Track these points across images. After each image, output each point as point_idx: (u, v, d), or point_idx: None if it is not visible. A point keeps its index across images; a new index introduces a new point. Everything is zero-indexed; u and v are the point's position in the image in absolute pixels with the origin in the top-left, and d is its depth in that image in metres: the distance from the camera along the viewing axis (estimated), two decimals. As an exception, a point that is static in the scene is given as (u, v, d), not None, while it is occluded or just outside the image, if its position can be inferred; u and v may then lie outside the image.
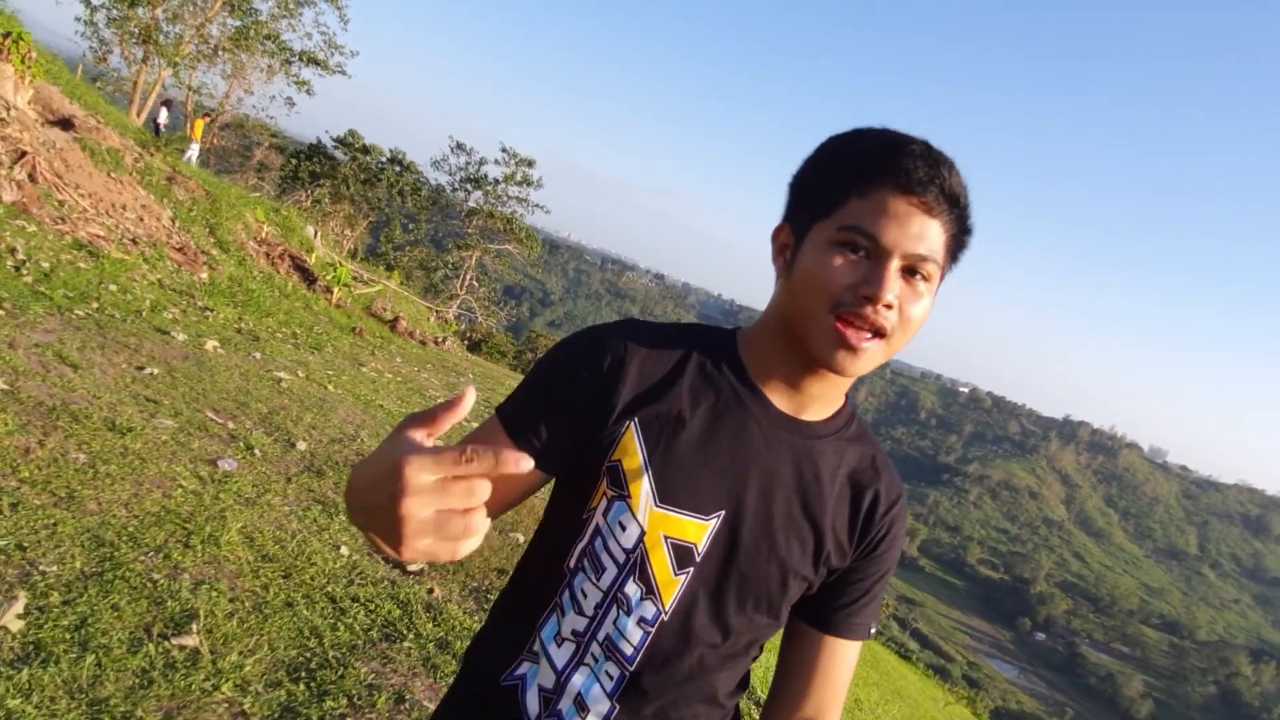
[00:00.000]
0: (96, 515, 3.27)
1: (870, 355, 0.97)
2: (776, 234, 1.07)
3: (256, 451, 4.75)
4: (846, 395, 1.12)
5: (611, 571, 1.03)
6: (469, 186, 40.46)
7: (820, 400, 1.07)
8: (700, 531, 1.02)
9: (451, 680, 1.29)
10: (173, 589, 2.97)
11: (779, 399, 1.06)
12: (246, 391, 5.89)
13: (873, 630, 1.14)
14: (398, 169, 38.06)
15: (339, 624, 3.23)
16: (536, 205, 40.07)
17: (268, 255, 15.77)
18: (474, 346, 31.32)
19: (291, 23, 30.57)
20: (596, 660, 1.04)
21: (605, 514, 1.03)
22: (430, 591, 3.88)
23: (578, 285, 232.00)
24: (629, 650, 1.03)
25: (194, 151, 22.76)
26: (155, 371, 5.38)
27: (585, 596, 1.04)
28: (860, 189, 0.96)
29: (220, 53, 29.53)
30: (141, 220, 11.84)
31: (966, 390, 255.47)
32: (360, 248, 36.58)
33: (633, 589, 1.02)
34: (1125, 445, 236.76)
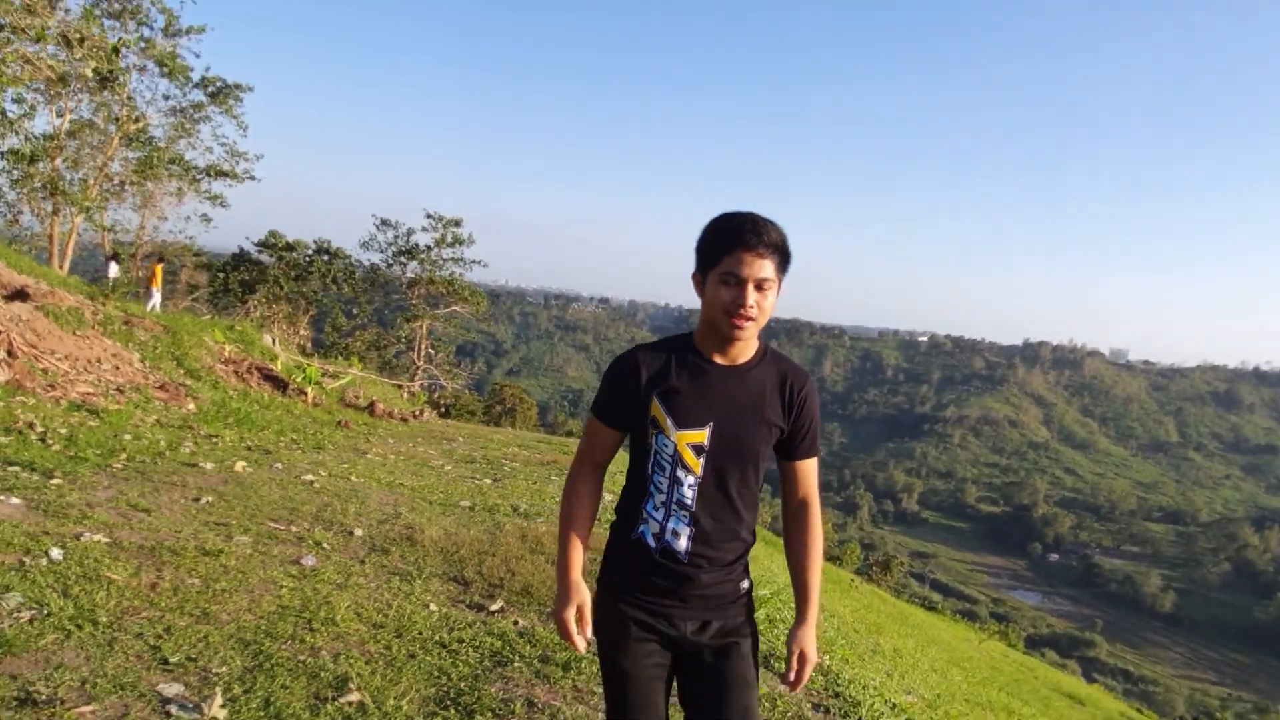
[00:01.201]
0: (232, 623, 3.81)
1: (749, 330, 1.98)
2: (695, 279, 2.06)
3: (325, 545, 5.30)
4: (762, 341, 2.10)
5: (668, 467, 2.03)
6: (403, 259, 40.85)
7: (740, 354, 2.06)
8: (702, 435, 2.01)
9: (565, 674, 1.98)
10: (319, 664, 3.53)
11: (721, 360, 2.06)
12: (290, 498, 6.42)
13: (819, 451, 2.19)
14: (326, 258, 38.23)
15: (457, 661, 3.80)
16: (473, 261, 40.60)
17: (236, 373, 16.13)
18: (445, 413, 31.70)
19: (190, 141, 30.88)
20: (675, 512, 2.04)
21: (655, 441, 2.04)
22: (516, 623, 4.45)
23: (527, 329, 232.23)
24: (689, 502, 2.03)
25: (156, 300, 23.11)
26: (209, 500, 5.90)
27: (661, 482, 2.05)
28: (727, 250, 1.95)
29: (127, 187, 29.73)
30: (117, 369, 12.24)
31: (925, 339, 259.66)
32: (307, 344, 36.72)
33: (681, 472, 2.02)
34: (1087, 354, 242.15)
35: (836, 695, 4.27)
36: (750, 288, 1.93)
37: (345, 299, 39.73)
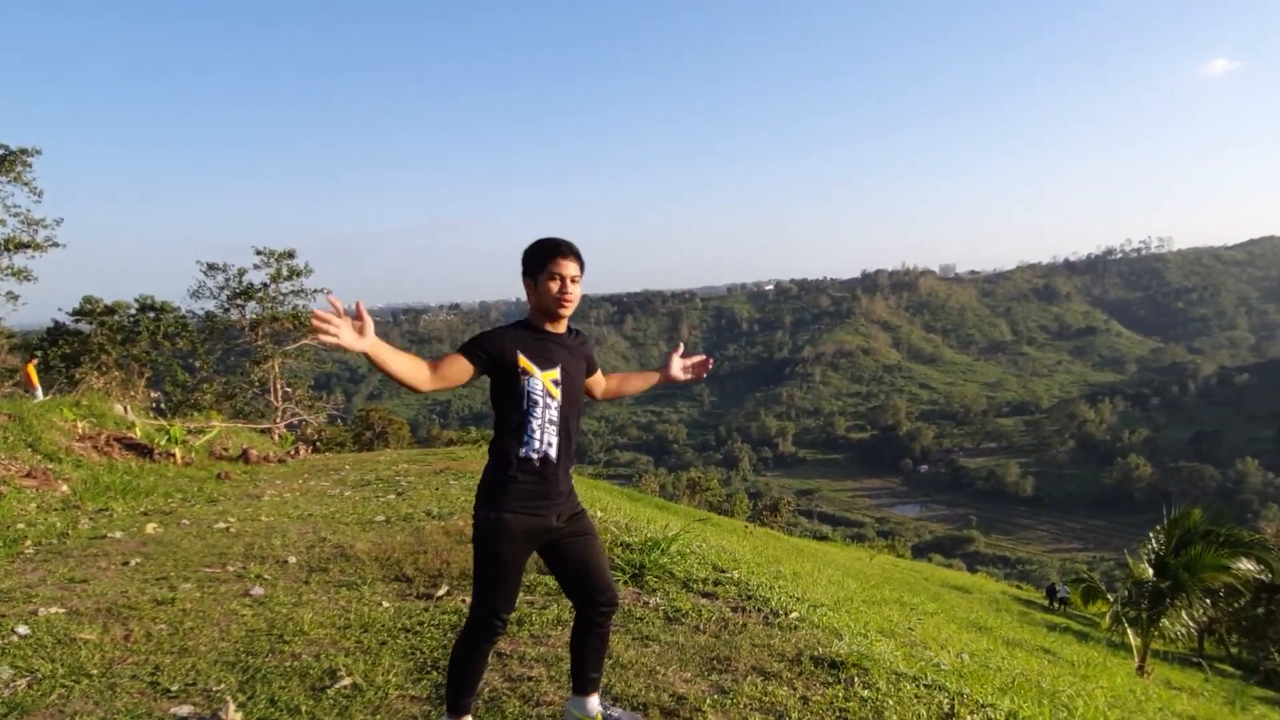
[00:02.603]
0: (211, 651, 4.19)
1: (570, 309, 2.99)
2: (526, 282, 2.98)
3: (266, 577, 5.64)
4: (570, 322, 3.11)
5: (540, 398, 2.93)
6: (239, 301, 39.23)
7: (561, 328, 3.04)
8: (556, 373, 2.98)
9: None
10: (305, 664, 3.97)
11: (551, 330, 3.01)
12: (213, 545, 6.65)
13: (598, 369, 3.31)
14: (153, 315, 36.26)
15: (424, 639, 4.34)
16: (315, 290, 39.46)
17: (95, 448, 15.57)
18: (319, 448, 31.01)
19: (-22, 217, 28.61)
20: (548, 430, 2.93)
21: (527, 384, 2.91)
22: (464, 601, 4.98)
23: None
24: (557, 420, 2.96)
25: (39, 392, 22.01)
26: (138, 561, 6.09)
27: (535, 410, 2.91)
28: (550, 258, 2.94)
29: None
30: (-24, 466, 11.73)
31: (772, 287, 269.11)
32: (149, 408, 34.92)
33: (549, 399, 2.94)
34: (920, 274, 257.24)
35: (749, 598, 5.02)
36: (569, 281, 2.95)
37: (182, 354, 37.85)
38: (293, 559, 6.11)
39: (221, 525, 7.57)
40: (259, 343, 38.73)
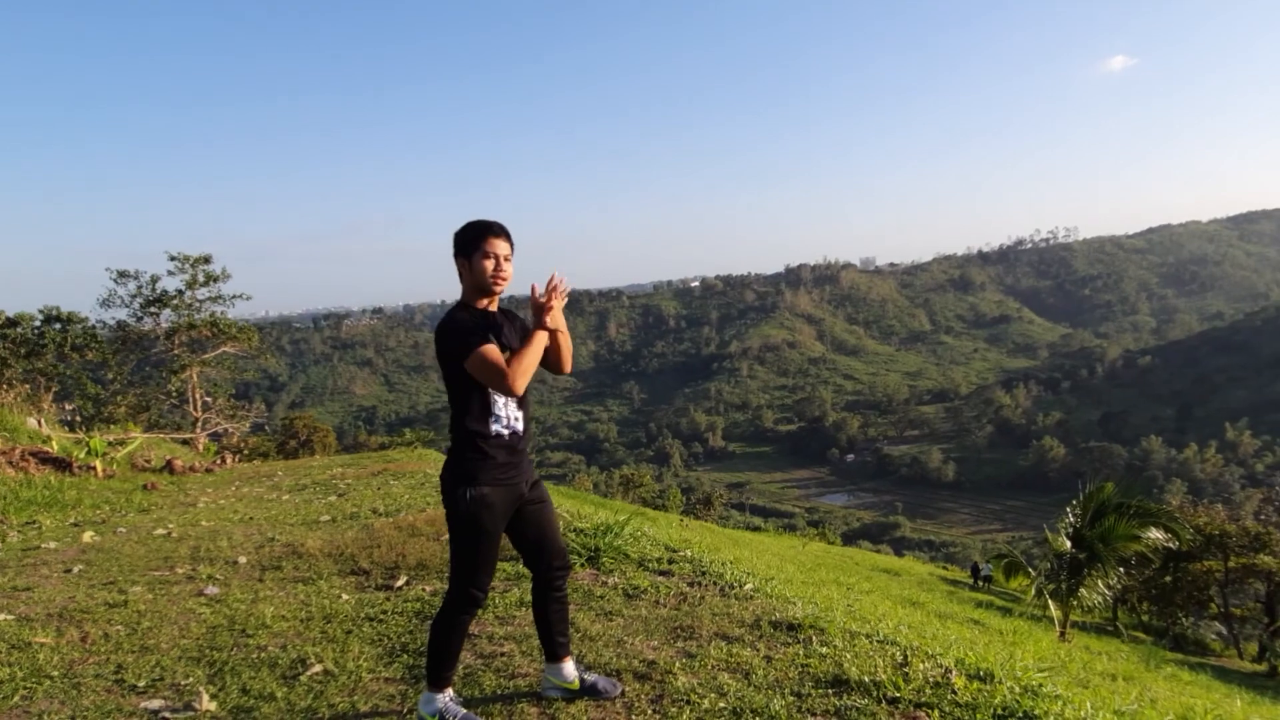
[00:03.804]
0: (174, 649, 4.17)
1: (504, 287, 3.11)
2: (460, 263, 3.09)
3: (218, 577, 5.60)
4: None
5: None
6: (154, 309, 37.85)
7: (494, 305, 3.19)
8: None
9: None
10: (273, 655, 4.00)
11: (489, 308, 3.15)
12: (156, 550, 6.55)
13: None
14: (59, 326, 34.76)
15: (389, 626, 4.41)
16: (235, 296, 38.32)
17: (10, 463, 15.00)
18: (246, 457, 30.21)
19: None
20: (512, 403, 3.13)
21: None
22: (425, 590, 5.04)
23: (301, 357, 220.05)
24: (521, 398, 3.14)
25: None
26: (81, 568, 5.97)
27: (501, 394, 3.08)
28: (483, 238, 3.07)
29: None
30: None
31: (698, 284, 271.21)
32: (60, 420, 33.46)
33: None
34: (842, 268, 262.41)
35: (703, 574, 5.20)
36: (502, 260, 3.08)
37: (92, 366, 36.36)
38: (243, 559, 6.06)
39: (161, 531, 7.43)
40: (175, 352, 37.44)
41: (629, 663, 3.56)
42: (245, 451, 31.62)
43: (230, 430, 37.54)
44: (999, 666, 3.30)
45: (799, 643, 3.73)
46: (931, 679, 3.21)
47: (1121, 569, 19.16)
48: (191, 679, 3.75)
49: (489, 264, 3.06)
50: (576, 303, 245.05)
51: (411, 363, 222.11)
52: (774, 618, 4.11)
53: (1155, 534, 17.94)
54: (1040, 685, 3.17)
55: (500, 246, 3.08)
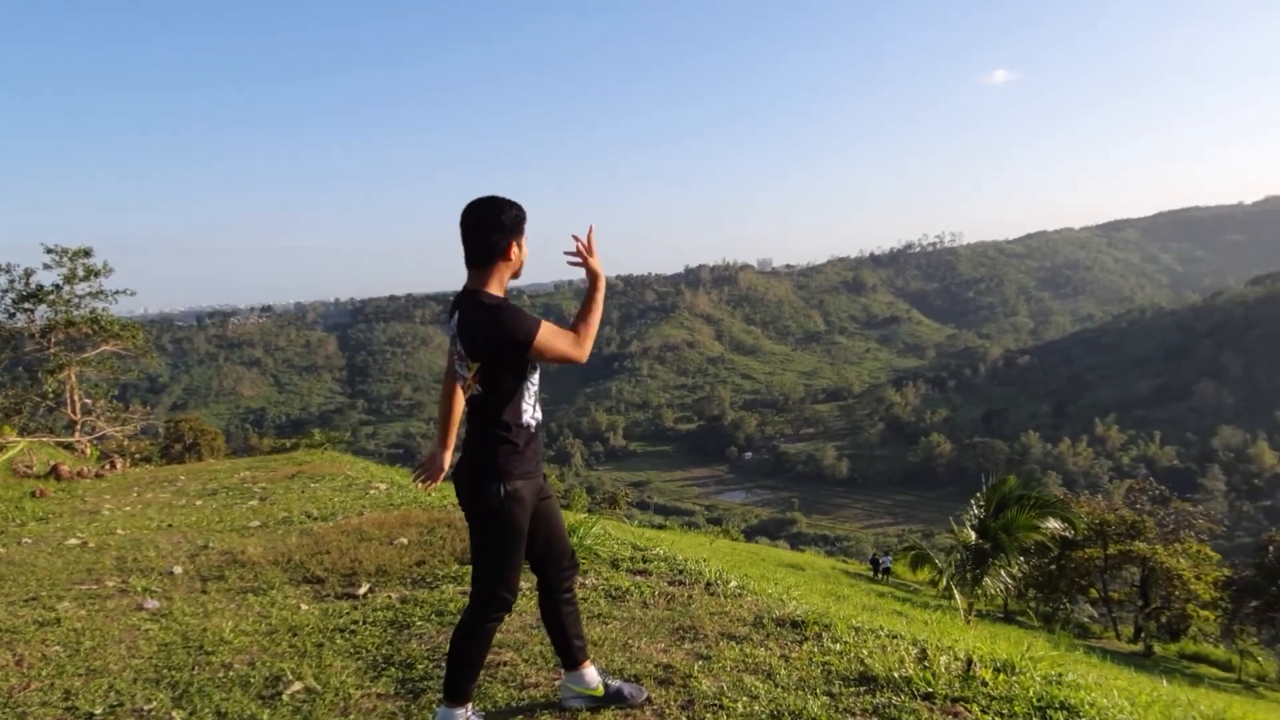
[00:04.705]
0: (127, 670, 3.80)
1: None
2: (510, 243, 2.83)
3: (155, 589, 5.16)
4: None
5: (533, 370, 2.91)
6: (27, 305, 35.30)
7: None
8: None
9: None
10: (242, 673, 3.69)
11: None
12: (75, 562, 6.01)
13: None
14: (-83, 324, 32.10)
15: (364, 638, 4.13)
16: (117, 292, 36.04)
17: (-127, 471, 13.75)
18: (139, 461, 28.51)
19: None
20: (538, 400, 2.95)
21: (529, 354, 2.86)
22: (390, 597, 4.76)
23: (184, 356, 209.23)
24: (539, 387, 2.94)
25: None
26: (-9, 583, 5.39)
27: (531, 385, 2.90)
28: (525, 219, 2.92)
29: None
30: None
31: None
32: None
33: (538, 374, 2.93)
34: (740, 269, 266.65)
35: (682, 572, 5.09)
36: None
37: (-51, 366, 33.68)
38: (178, 569, 5.61)
39: (74, 541, 6.83)
40: (51, 351, 35.03)
41: (645, 667, 3.41)
42: (136, 456, 29.89)
43: (114, 434, 35.42)
44: (1018, 657, 3.30)
45: (809, 640, 3.66)
46: (956, 672, 3.18)
47: (1021, 558, 20.06)
48: (155, 703, 3.41)
49: (527, 248, 2.95)
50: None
51: (303, 363, 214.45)
52: (774, 615, 4.03)
53: (1053, 524, 18.82)
54: (1062, 675, 3.19)
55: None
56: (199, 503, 9.63)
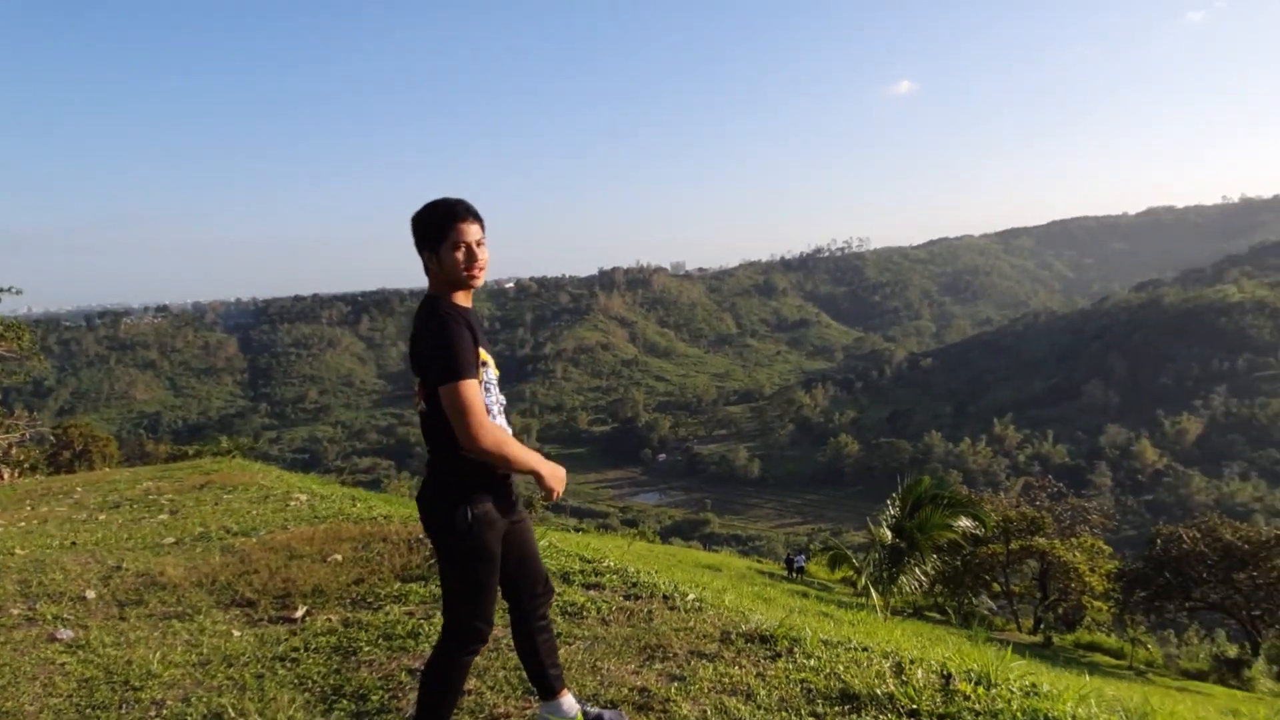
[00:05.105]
0: (44, 711, 3.47)
1: (481, 278, 2.71)
2: (427, 257, 2.69)
3: (67, 616, 4.76)
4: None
5: (494, 390, 2.80)
6: (-102, 305, 32.92)
7: (470, 300, 2.78)
8: (491, 361, 2.78)
9: None
10: (177, 711, 3.41)
11: (467, 306, 2.75)
12: (-29, 587, 5.49)
13: None
14: None
15: (309, 667, 3.87)
16: (3, 290, 33.99)
17: None
18: (23, 472, 26.79)
19: None
20: (501, 414, 2.82)
21: (486, 373, 2.72)
22: (330, 620, 4.50)
23: (71, 358, 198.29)
24: (504, 403, 2.87)
25: None
26: (-125, 615, 4.87)
27: (493, 403, 2.76)
28: (450, 225, 2.65)
29: None
30: None
31: (512, 285, 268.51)
32: None
33: (494, 385, 2.82)
34: (654, 271, 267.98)
35: (635, 585, 4.96)
36: (475, 246, 2.70)
37: None
38: (91, 593, 5.19)
39: (-34, 562, 6.27)
40: (-75, 352, 32.73)
41: (619, 691, 3.27)
42: (24, 465, 28.13)
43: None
44: (992, 668, 3.29)
45: (781, 656, 3.58)
46: (935, 686, 3.16)
47: (935, 556, 20.65)
48: (81, 747, 3.11)
49: (460, 255, 2.67)
50: (386, 303, 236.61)
51: (201, 365, 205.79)
52: (740, 629, 3.94)
53: (965, 522, 19.41)
54: (1036, 685, 3.19)
55: (471, 232, 2.69)
56: (102, 517, 9.04)
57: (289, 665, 3.87)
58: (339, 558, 5.68)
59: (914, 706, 2.96)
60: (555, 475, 2.77)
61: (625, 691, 3.27)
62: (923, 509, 18.86)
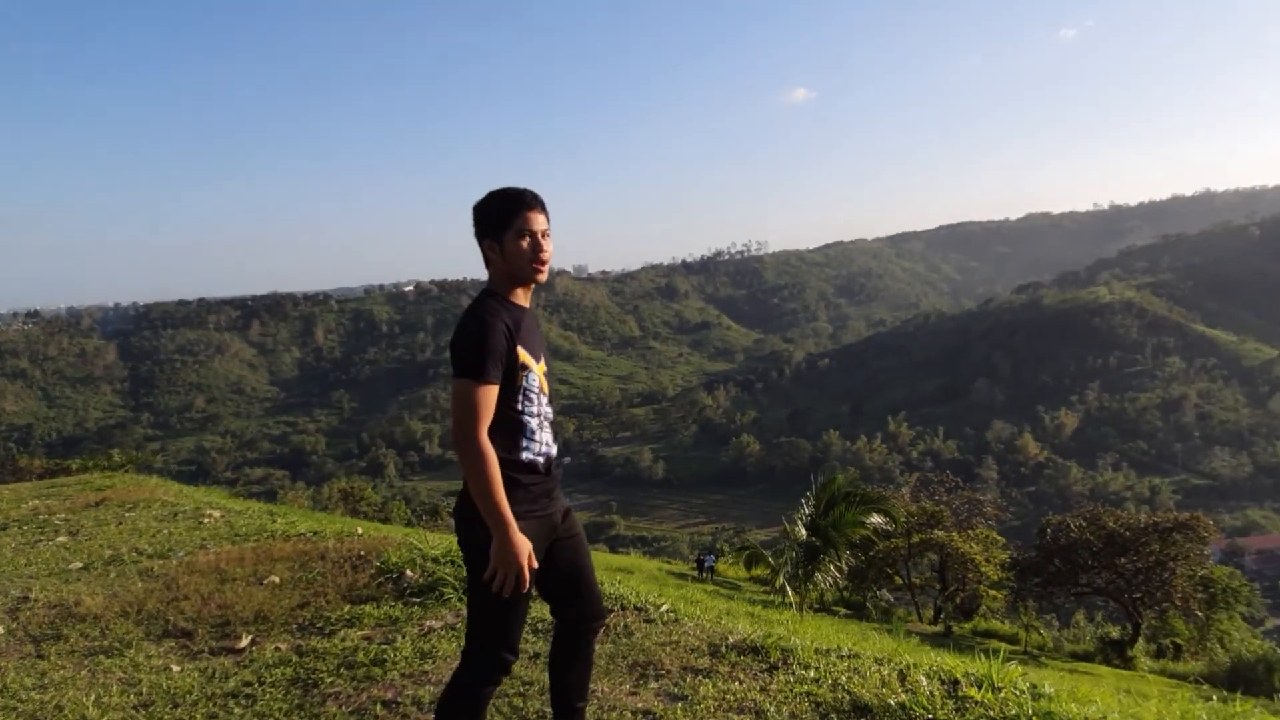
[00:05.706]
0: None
1: (546, 272, 2.55)
2: (487, 245, 2.53)
3: (-27, 657, 4.25)
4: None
5: (536, 396, 2.56)
6: None
7: (528, 298, 2.63)
8: (544, 366, 2.60)
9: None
10: (126, 760, 3.04)
11: (524, 304, 2.59)
12: None
13: None
14: None
15: (267, 703, 3.56)
16: None
17: None
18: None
19: None
20: (548, 428, 2.59)
21: (526, 379, 2.51)
22: (279, 649, 4.17)
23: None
24: (552, 418, 2.63)
25: None
26: None
27: (534, 409, 2.55)
28: (519, 212, 2.49)
29: None
30: None
31: (412, 288, 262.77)
32: None
33: (545, 397, 2.59)
34: (556, 274, 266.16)
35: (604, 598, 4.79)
36: (541, 237, 2.54)
37: None
38: (0, 629, 4.68)
39: None
40: None
41: (621, 715, 3.11)
42: (-116, 485, 25.81)
43: None
44: (994, 672, 3.27)
45: (777, 668, 3.48)
46: (942, 693, 3.11)
47: (848, 552, 21.10)
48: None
49: (525, 244, 2.51)
50: (279, 307, 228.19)
51: (77, 374, 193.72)
52: (730, 642, 3.83)
53: (876, 518, 19.89)
54: (1038, 686, 3.18)
55: (539, 221, 2.53)
56: (46, 537, 8.28)
57: (244, 703, 3.55)
58: (276, 579, 5.30)
59: (931, 716, 2.90)
60: (506, 552, 2.34)
61: (629, 715, 3.12)
62: (836, 506, 19.23)
